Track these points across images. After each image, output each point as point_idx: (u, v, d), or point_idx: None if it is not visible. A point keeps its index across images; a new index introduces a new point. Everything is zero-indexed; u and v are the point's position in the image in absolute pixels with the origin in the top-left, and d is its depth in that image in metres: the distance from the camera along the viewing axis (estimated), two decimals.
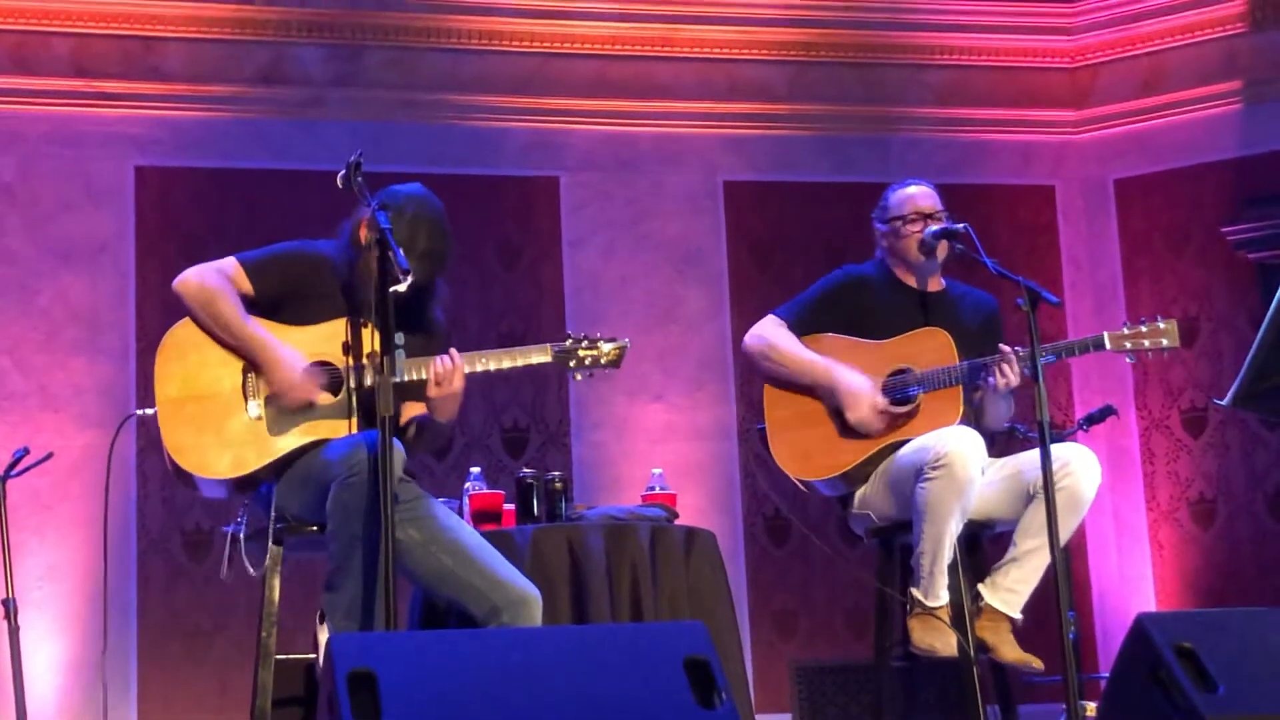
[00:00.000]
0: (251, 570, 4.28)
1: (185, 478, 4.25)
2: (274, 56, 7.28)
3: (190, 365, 4.25)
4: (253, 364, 4.21)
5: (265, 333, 4.22)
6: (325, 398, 4.22)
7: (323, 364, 4.24)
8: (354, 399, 4.20)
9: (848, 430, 4.80)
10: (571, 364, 4.29)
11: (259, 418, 4.21)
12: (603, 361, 4.30)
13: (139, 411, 4.60)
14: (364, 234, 4.19)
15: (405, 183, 4.37)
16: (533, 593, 4.21)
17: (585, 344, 4.31)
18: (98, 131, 7.08)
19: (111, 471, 6.31)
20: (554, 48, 7.54)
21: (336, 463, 4.03)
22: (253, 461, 4.18)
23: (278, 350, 4.19)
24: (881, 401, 4.75)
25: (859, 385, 4.76)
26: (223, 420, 4.21)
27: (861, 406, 4.74)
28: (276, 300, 4.31)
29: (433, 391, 4.16)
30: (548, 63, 7.53)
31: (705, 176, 7.66)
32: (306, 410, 4.20)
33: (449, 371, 4.16)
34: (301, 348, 4.23)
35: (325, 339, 4.26)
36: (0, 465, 5.67)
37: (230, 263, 4.32)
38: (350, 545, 3.99)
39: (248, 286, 4.29)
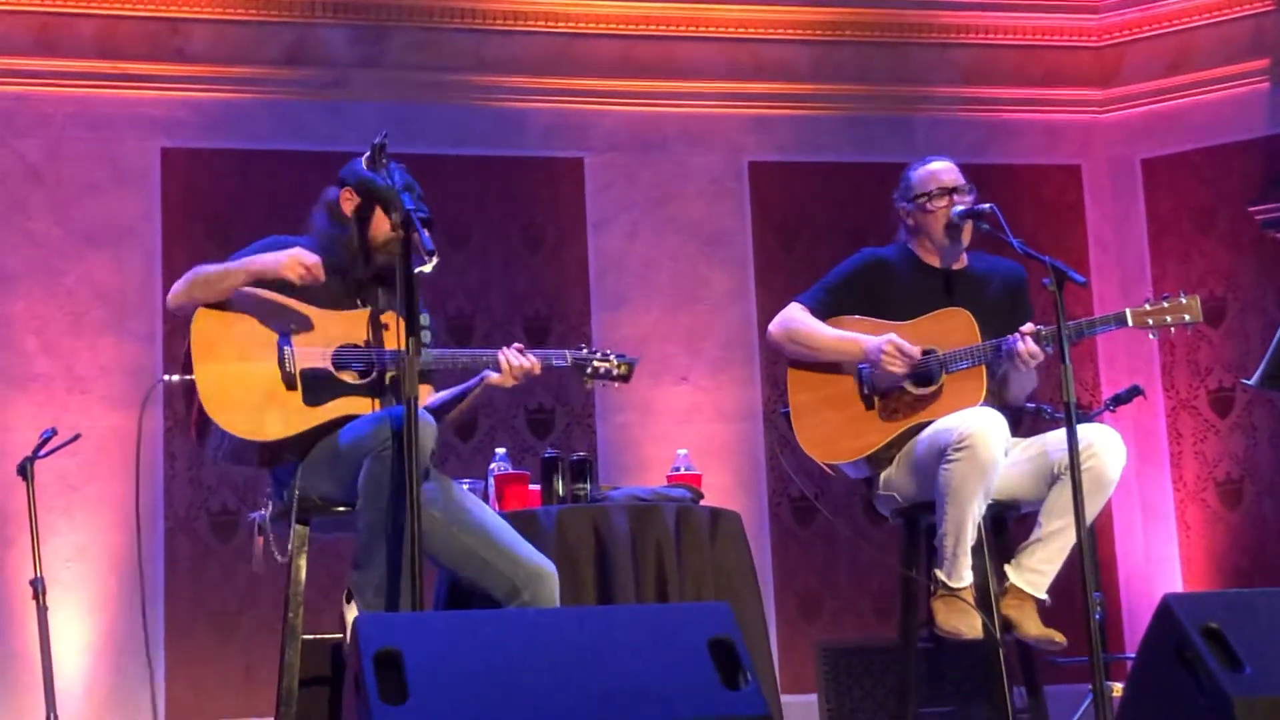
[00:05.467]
0: (279, 557, 4.31)
1: (206, 437, 4.29)
2: (299, 37, 7.29)
3: (220, 340, 4.30)
4: (256, 281, 4.28)
5: (250, 256, 4.32)
6: (350, 375, 4.26)
7: (351, 346, 4.31)
8: (386, 380, 4.29)
9: (872, 413, 4.80)
10: (587, 371, 4.48)
11: (294, 389, 4.25)
12: (614, 374, 4.51)
13: (166, 378, 4.62)
14: (378, 221, 4.35)
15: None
16: (548, 568, 4.29)
17: (599, 356, 4.50)
18: (123, 113, 7.09)
19: (141, 446, 6.35)
20: (578, 28, 7.53)
21: (367, 436, 4.09)
22: (292, 426, 4.24)
23: (264, 258, 4.28)
24: (910, 346, 4.71)
25: (883, 338, 4.74)
26: (261, 388, 4.26)
27: (898, 348, 4.70)
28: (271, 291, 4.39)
29: (508, 384, 4.34)
30: (572, 43, 7.52)
31: (730, 157, 7.64)
32: (336, 385, 4.26)
33: (523, 369, 4.33)
34: (336, 331, 4.32)
35: (353, 322, 4.35)
36: (28, 446, 5.70)
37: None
38: (379, 521, 4.03)
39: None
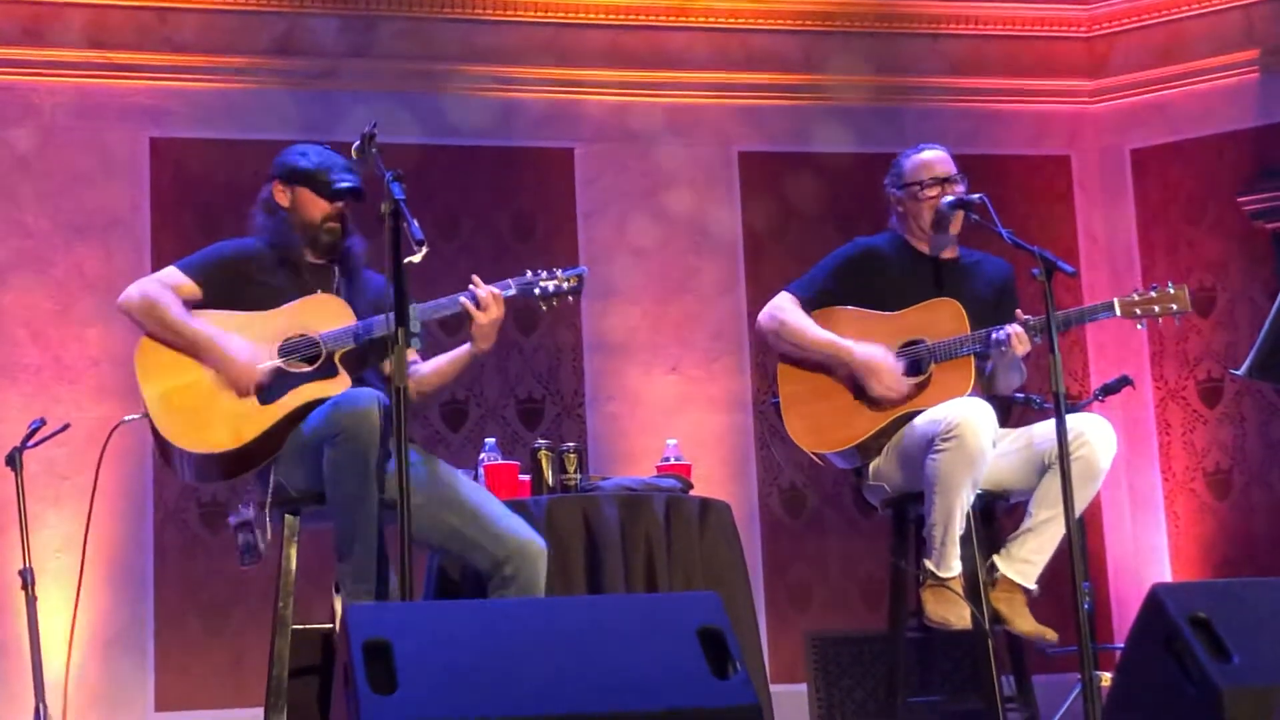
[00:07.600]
0: (260, 547, 4.30)
1: (173, 462, 4.31)
2: (288, 27, 7.27)
3: (167, 358, 4.32)
4: (202, 361, 4.28)
5: (210, 328, 4.31)
6: (296, 366, 4.28)
7: (300, 336, 4.32)
8: (336, 360, 4.29)
9: (861, 403, 4.80)
10: (535, 293, 4.39)
11: (249, 394, 4.26)
12: (565, 289, 4.40)
13: (127, 418, 4.69)
14: (311, 204, 4.42)
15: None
16: (538, 544, 4.27)
17: (545, 275, 4.41)
18: (112, 103, 7.07)
19: (126, 443, 6.35)
20: (568, 18, 7.52)
21: (321, 425, 4.11)
22: (249, 432, 4.23)
23: (223, 344, 4.27)
24: (899, 367, 4.74)
25: (875, 356, 4.75)
26: (213, 399, 4.26)
27: (882, 378, 4.73)
28: (226, 294, 4.40)
29: (480, 319, 4.25)
30: (561, 33, 7.51)
31: (720, 148, 7.64)
32: (287, 378, 4.27)
33: (487, 299, 4.26)
34: (277, 326, 4.32)
35: (300, 313, 4.36)
36: (16, 437, 5.69)
37: (170, 270, 4.45)
38: (350, 509, 4.02)
39: (193, 288, 4.40)
